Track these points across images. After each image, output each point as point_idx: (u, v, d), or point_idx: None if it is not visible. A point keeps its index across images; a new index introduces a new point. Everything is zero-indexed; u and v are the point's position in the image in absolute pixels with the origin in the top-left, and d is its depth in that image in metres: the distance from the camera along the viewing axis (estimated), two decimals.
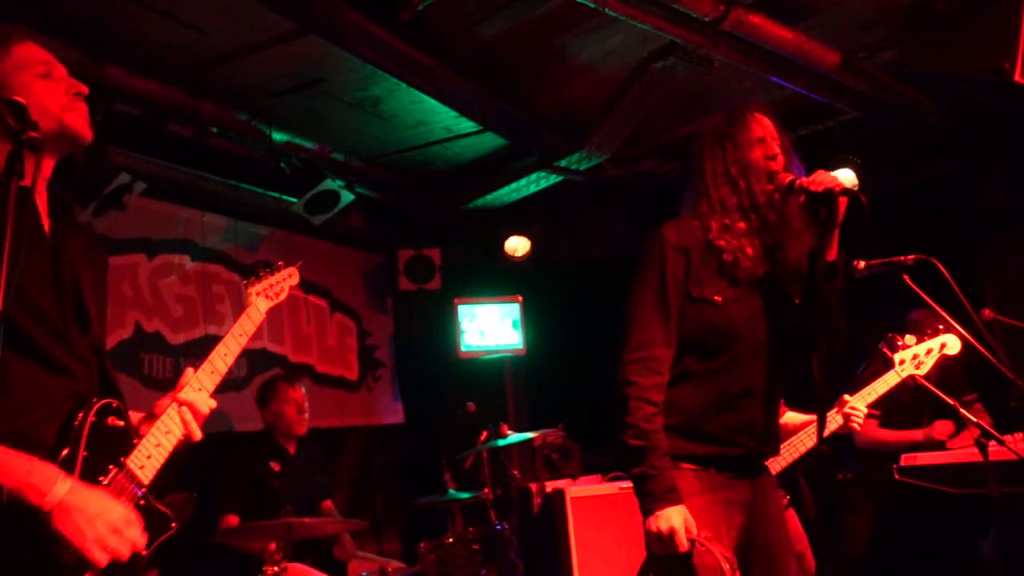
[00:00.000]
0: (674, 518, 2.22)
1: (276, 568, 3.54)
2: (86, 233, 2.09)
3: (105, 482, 1.78)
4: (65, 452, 1.73)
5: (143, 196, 4.56)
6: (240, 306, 5.91)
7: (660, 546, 2.24)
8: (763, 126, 2.47)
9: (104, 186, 4.16)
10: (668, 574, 2.33)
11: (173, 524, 1.90)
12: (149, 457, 1.90)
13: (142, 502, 1.86)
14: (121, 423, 1.88)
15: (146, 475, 1.88)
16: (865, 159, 5.56)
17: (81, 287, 1.88)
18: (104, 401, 1.85)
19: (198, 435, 2.01)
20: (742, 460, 2.42)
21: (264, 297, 2.47)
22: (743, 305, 2.40)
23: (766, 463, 2.55)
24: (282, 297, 2.56)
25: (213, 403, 2.06)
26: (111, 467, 1.82)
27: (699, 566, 2.25)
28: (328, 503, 4.87)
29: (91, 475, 1.76)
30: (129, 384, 4.64)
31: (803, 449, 3.63)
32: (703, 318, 2.37)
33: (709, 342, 2.38)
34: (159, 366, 4.95)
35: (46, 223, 1.89)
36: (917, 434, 4.46)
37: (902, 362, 3.71)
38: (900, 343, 3.75)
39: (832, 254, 2.30)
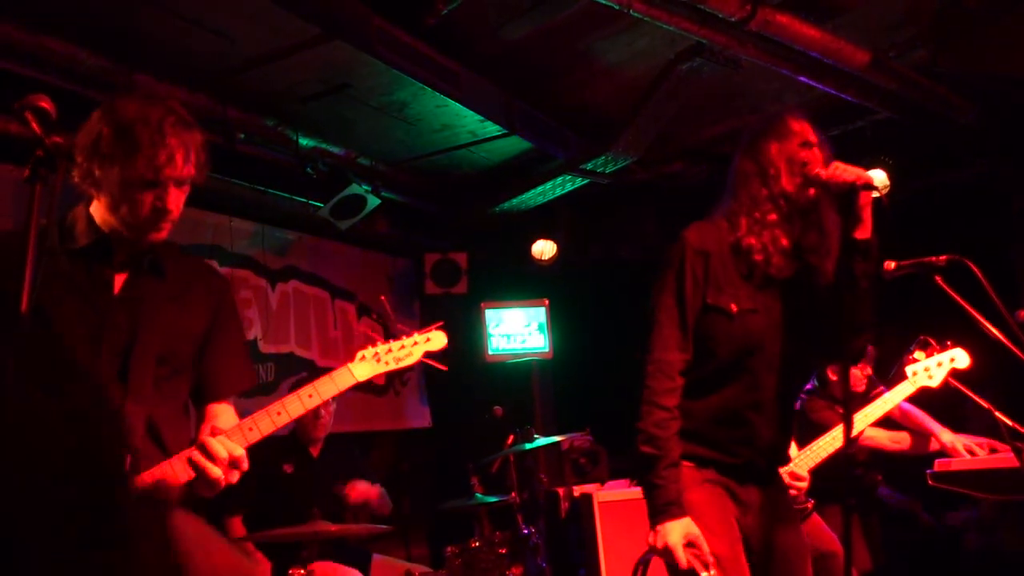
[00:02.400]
0: (672, 535, 2.18)
1: (303, 570, 3.55)
2: (194, 282, 2.17)
3: None
4: None
5: None
6: (267, 310, 5.94)
7: (664, 558, 2.23)
8: (800, 125, 2.41)
9: None
10: None
11: None
12: None
13: None
14: None
15: None
16: (897, 159, 5.48)
17: (135, 341, 1.99)
18: None
19: (214, 473, 1.95)
20: (742, 469, 2.38)
21: (373, 361, 2.19)
22: (761, 317, 2.35)
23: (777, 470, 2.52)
24: (405, 363, 2.23)
25: (238, 450, 1.99)
26: None
27: None
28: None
29: None
30: None
31: (823, 455, 3.57)
32: (717, 328, 2.33)
33: (721, 353, 2.34)
34: None
35: (119, 278, 2.04)
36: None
37: (915, 374, 3.84)
38: (913, 355, 3.88)
39: (865, 232, 2.25)
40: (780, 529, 2.40)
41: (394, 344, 2.23)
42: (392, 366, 2.21)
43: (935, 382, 3.82)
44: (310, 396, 2.09)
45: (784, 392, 2.40)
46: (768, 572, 2.35)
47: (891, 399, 3.86)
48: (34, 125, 1.51)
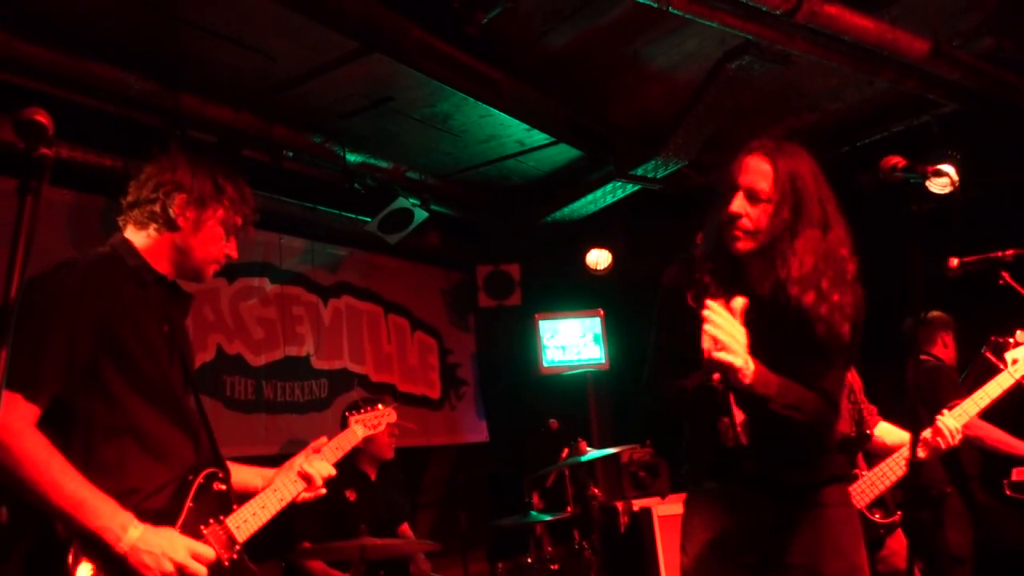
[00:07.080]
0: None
1: None
2: (186, 298, 2.41)
3: (205, 531, 2.08)
4: (174, 502, 2.06)
5: None
6: (319, 326, 5.94)
7: None
8: (745, 172, 2.22)
9: None
10: None
11: None
12: (251, 517, 2.18)
13: (235, 557, 2.12)
14: (223, 487, 2.17)
15: (242, 533, 2.16)
16: (966, 154, 5.20)
17: (186, 355, 2.23)
18: (211, 470, 2.16)
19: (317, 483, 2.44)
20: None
21: (363, 426, 2.80)
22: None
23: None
24: (378, 429, 2.92)
25: (331, 471, 2.47)
26: (211, 520, 2.12)
27: None
28: (404, 527, 4.78)
29: (195, 523, 2.07)
30: (212, 406, 4.71)
31: (893, 478, 3.30)
32: None
33: None
34: (240, 388, 5.02)
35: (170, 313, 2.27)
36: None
37: (1015, 362, 3.27)
38: (1012, 340, 3.35)
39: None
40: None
41: (372, 414, 2.89)
42: (371, 431, 2.86)
43: None
44: (337, 449, 2.63)
45: None
46: None
47: (989, 393, 3.28)
48: (19, 141, 1.49)
